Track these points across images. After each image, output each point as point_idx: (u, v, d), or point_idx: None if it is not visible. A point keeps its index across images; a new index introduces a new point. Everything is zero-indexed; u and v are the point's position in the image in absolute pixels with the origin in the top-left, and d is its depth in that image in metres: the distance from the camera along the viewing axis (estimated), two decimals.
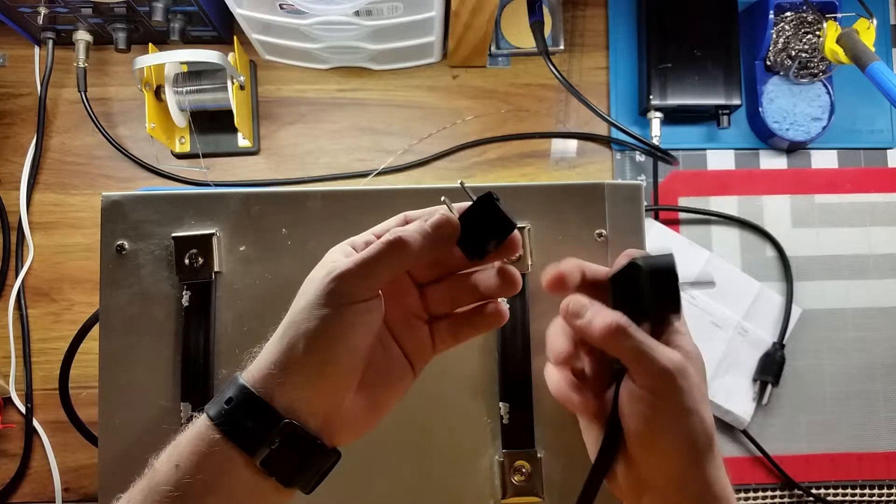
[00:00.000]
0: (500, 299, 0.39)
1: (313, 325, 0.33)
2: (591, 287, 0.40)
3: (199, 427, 0.34)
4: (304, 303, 0.34)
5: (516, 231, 0.36)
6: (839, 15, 0.76)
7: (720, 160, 0.83)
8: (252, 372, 0.35)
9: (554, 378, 0.42)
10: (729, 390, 0.77)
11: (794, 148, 0.83)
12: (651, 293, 0.37)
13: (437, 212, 0.36)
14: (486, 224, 0.36)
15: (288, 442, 0.33)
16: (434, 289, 0.39)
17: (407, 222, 0.38)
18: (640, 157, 0.83)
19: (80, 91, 0.76)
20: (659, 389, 0.36)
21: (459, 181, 0.37)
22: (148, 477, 0.34)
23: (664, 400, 0.36)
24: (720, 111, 0.80)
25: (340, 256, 0.36)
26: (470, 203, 0.36)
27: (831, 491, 0.79)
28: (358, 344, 0.34)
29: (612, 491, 0.40)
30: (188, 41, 0.80)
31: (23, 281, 0.79)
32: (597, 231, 0.49)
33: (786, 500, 0.79)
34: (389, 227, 0.38)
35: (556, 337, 0.41)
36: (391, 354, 0.38)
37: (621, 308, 0.38)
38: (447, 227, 0.36)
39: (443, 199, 0.37)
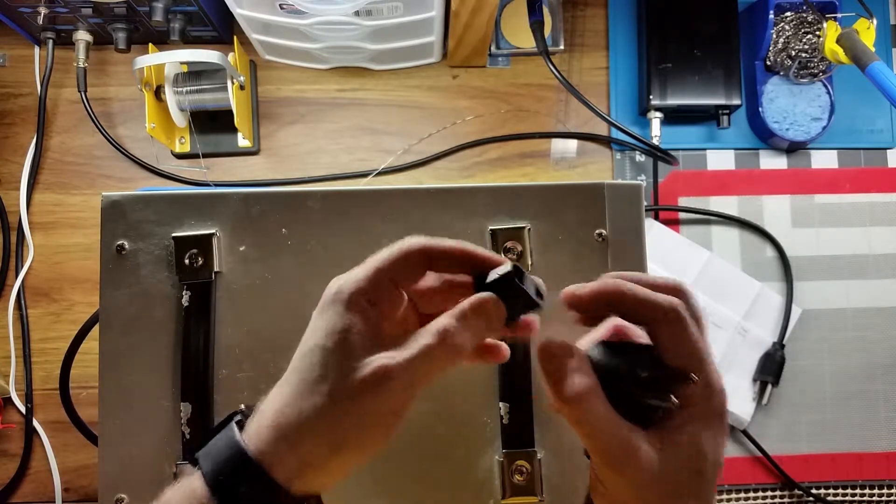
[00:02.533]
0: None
1: (340, 423, 0.31)
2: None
3: (200, 499, 0.31)
4: (343, 387, 0.31)
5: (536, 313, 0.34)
6: (839, 15, 0.76)
7: (720, 160, 0.83)
8: (263, 441, 0.32)
9: None
10: (729, 390, 0.76)
11: (794, 148, 0.83)
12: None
13: (478, 301, 0.33)
14: (509, 298, 0.33)
15: None
16: (431, 298, 0.36)
17: (425, 253, 0.34)
18: (640, 157, 0.83)
19: (80, 91, 0.76)
20: (611, 482, 0.33)
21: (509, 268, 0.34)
22: None
23: (617, 492, 0.33)
24: (720, 111, 0.80)
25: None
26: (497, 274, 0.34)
27: (831, 491, 0.79)
28: (380, 444, 0.32)
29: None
30: (188, 41, 0.80)
31: (23, 281, 0.79)
32: (597, 231, 0.49)
33: (786, 500, 0.79)
34: (400, 256, 0.34)
35: None
36: None
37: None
38: (496, 319, 0.33)
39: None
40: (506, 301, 0.33)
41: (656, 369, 0.33)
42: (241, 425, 0.33)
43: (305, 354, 0.33)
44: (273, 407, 0.32)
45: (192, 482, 0.32)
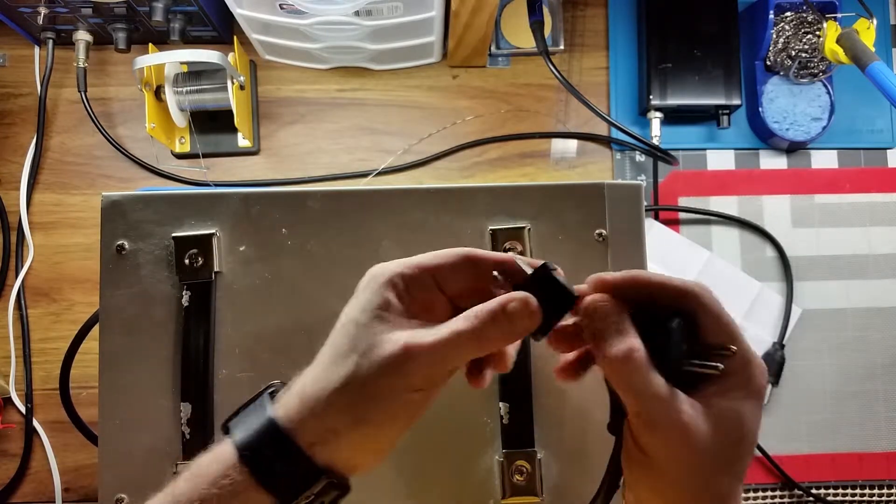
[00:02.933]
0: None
1: (361, 396, 0.32)
2: None
3: (228, 463, 0.32)
4: (369, 360, 0.32)
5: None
6: (839, 15, 0.76)
7: (720, 160, 0.83)
8: (291, 410, 0.33)
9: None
10: None
11: (794, 148, 0.83)
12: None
13: (515, 298, 0.33)
14: (544, 297, 0.33)
15: (322, 495, 0.33)
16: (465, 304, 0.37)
17: (471, 261, 0.35)
18: (640, 157, 0.83)
19: (80, 91, 0.76)
20: (654, 449, 0.32)
21: (511, 252, 0.35)
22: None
23: (661, 462, 0.32)
24: (720, 111, 0.80)
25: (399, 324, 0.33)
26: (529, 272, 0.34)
27: (831, 491, 0.79)
28: (404, 423, 0.33)
29: None
30: (188, 41, 0.80)
31: (23, 281, 0.79)
32: (597, 231, 0.49)
33: (786, 500, 0.79)
34: (446, 259, 0.35)
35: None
36: None
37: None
38: (529, 320, 0.33)
39: (512, 255, 0.35)
40: (544, 295, 0.33)
41: (693, 342, 0.33)
42: (273, 396, 0.34)
43: (338, 329, 0.34)
44: (303, 378, 0.34)
45: (222, 447, 0.33)
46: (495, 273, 0.34)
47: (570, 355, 0.37)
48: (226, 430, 0.34)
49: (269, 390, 0.35)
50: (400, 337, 0.32)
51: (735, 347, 0.32)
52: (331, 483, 0.32)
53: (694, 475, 0.32)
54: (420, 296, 0.34)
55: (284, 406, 0.33)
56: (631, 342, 0.32)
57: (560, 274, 0.34)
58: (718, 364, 0.32)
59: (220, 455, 0.33)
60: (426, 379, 0.32)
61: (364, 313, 0.33)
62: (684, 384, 0.32)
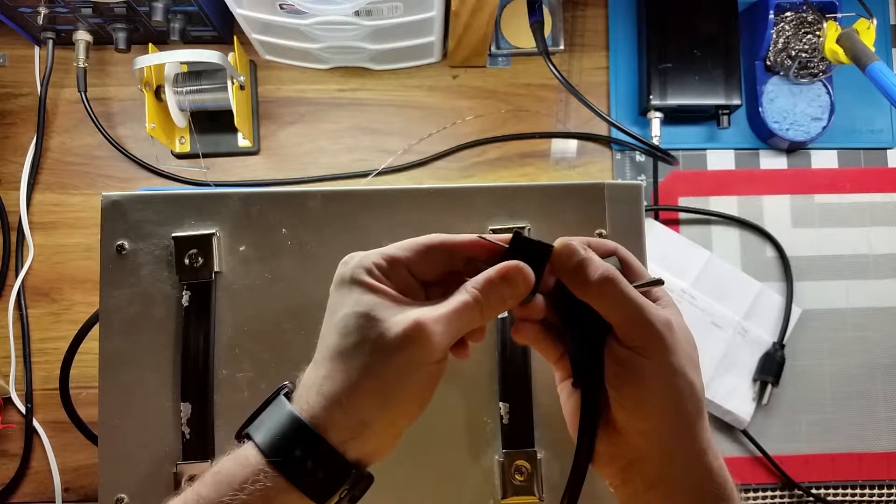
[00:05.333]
0: None
1: (386, 376, 0.33)
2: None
3: (256, 468, 0.32)
4: (385, 342, 0.33)
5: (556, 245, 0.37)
6: (839, 15, 0.76)
7: (720, 160, 0.83)
8: (315, 408, 0.33)
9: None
10: (729, 390, 0.77)
11: (794, 148, 0.83)
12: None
13: (509, 265, 0.35)
14: (525, 259, 0.36)
15: (354, 488, 0.33)
16: (435, 288, 0.38)
17: (438, 249, 0.37)
18: (640, 157, 0.83)
19: (80, 91, 0.76)
20: (646, 347, 0.35)
21: (480, 236, 0.37)
22: None
23: (651, 358, 0.35)
24: (720, 111, 0.80)
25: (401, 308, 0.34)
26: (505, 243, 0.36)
27: (831, 491, 0.79)
28: (426, 396, 0.34)
29: (598, 470, 0.38)
30: (188, 41, 0.80)
31: (23, 281, 0.79)
32: (597, 231, 0.49)
33: (786, 500, 0.79)
34: (415, 250, 0.36)
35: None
36: None
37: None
38: (525, 284, 0.35)
39: (484, 236, 0.37)
40: (525, 258, 0.36)
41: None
42: (288, 398, 0.34)
43: (336, 325, 0.34)
44: (318, 377, 0.34)
45: (245, 451, 0.33)
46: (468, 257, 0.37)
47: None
48: (242, 437, 0.34)
49: (283, 391, 0.35)
50: (408, 315, 0.33)
51: (662, 280, 0.38)
52: (360, 475, 0.33)
53: (679, 367, 0.35)
54: (397, 282, 0.35)
55: (308, 406, 0.33)
56: (605, 265, 0.36)
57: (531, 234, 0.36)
58: (659, 278, 0.38)
59: (245, 460, 0.33)
60: (443, 349, 0.34)
61: (359, 303, 0.34)
62: None
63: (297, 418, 0.33)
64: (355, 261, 0.35)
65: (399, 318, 0.33)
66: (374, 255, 0.35)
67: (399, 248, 0.36)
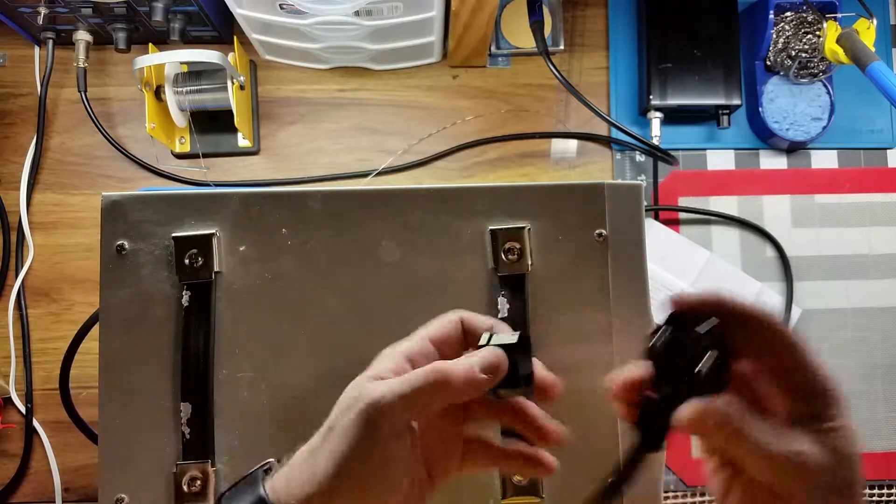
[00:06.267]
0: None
1: (346, 456, 0.33)
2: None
3: None
4: (337, 429, 0.33)
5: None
6: (839, 15, 0.76)
7: (720, 160, 0.83)
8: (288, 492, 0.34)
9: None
10: None
11: (794, 148, 0.83)
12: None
13: (488, 352, 0.35)
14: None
15: None
16: (480, 404, 0.37)
17: (464, 329, 0.37)
18: (640, 157, 0.83)
19: (80, 91, 0.76)
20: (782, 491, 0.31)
21: (487, 337, 0.36)
22: None
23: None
24: (720, 111, 0.80)
25: (376, 374, 0.35)
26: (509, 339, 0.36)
27: None
28: (395, 479, 0.34)
29: None
30: (188, 41, 0.80)
31: (23, 281, 0.79)
32: (597, 231, 0.49)
33: None
34: (442, 334, 0.37)
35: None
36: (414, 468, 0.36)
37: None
38: (497, 370, 0.35)
39: (491, 325, 0.37)
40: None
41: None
42: (268, 473, 0.35)
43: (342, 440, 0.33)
44: (302, 474, 0.34)
45: None
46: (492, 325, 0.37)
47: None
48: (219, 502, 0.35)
49: (265, 467, 0.36)
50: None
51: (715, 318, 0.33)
52: None
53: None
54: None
55: (284, 491, 0.33)
56: (721, 413, 0.32)
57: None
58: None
59: None
60: (395, 421, 0.33)
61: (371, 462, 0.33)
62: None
63: (263, 499, 0.33)
64: (371, 405, 0.33)
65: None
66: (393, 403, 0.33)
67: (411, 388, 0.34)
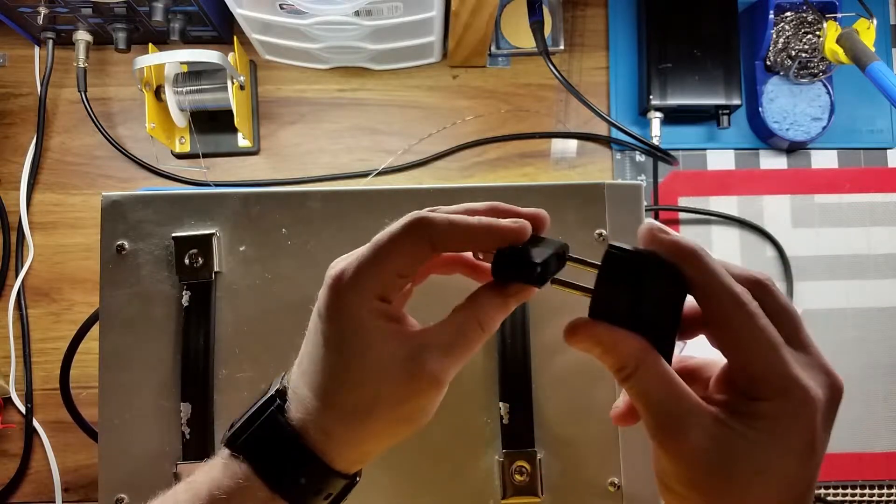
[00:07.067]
0: None
1: (324, 347, 0.32)
2: None
3: (234, 471, 0.32)
4: (310, 325, 0.33)
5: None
6: (839, 15, 0.76)
7: (720, 160, 0.83)
8: (296, 411, 0.32)
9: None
10: None
11: (794, 148, 0.83)
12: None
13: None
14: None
15: (339, 496, 0.33)
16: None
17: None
18: (640, 157, 0.83)
19: (80, 91, 0.76)
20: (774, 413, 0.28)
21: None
22: None
23: (779, 431, 0.28)
24: (720, 111, 0.80)
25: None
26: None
27: (831, 491, 0.79)
28: (384, 364, 0.32)
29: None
30: (188, 41, 0.80)
31: (23, 281, 0.79)
32: (597, 231, 0.49)
33: None
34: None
35: None
36: None
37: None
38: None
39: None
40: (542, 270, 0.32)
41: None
42: (280, 409, 0.33)
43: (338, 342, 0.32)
44: (311, 386, 0.32)
45: (232, 465, 0.32)
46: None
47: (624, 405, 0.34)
48: (231, 446, 0.33)
49: (274, 404, 0.33)
50: (424, 359, 0.31)
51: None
52: (349, 484, 0.33)
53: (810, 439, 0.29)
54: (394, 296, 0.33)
55: (301, 416, 0.32)
56: (638, 343, 0.31)
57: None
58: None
59: (231, 472, 0.32)
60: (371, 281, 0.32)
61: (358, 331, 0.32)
62: None
63: (294, 439, 0.32)
64: (344, 277, 0.32)
65: (419, 361, 0.31)
66: (363, 275, 0.32)
67: (384, 252, 0.32)
